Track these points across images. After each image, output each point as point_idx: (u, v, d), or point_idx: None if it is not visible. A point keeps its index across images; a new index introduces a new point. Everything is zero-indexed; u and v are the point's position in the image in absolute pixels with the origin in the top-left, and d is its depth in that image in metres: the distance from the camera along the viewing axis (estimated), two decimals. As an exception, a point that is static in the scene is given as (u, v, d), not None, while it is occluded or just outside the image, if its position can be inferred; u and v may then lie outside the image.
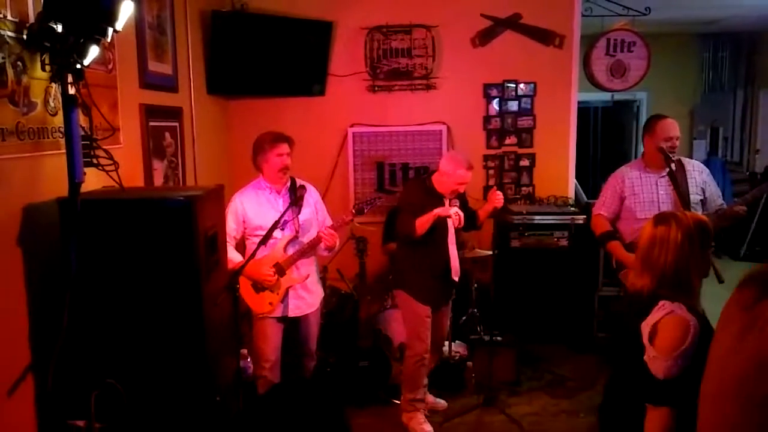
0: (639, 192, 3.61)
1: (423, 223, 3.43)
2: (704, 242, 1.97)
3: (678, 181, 3.47)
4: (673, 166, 3.47)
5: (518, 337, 4.33)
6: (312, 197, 3.49)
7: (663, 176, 3.59)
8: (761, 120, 8.05)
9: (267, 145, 3.33)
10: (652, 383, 1.83)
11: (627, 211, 3.64)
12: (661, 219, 2.02)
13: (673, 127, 3.55)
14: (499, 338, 4.21)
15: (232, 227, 3.27)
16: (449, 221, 3.53)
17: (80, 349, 2.18)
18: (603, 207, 3.73)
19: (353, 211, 3.45)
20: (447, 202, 3.57)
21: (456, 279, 3.72)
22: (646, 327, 1.88)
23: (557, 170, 5.15)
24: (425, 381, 3.70)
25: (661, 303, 1.89)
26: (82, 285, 2.13)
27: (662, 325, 1.85)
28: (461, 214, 3.42)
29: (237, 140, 4.86)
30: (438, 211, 3.44)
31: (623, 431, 2.05)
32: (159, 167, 3.54)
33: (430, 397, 3.87)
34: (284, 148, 3.34)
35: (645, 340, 1.87)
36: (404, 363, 3.70)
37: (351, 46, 4.98)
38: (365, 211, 3.48)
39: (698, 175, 3.60)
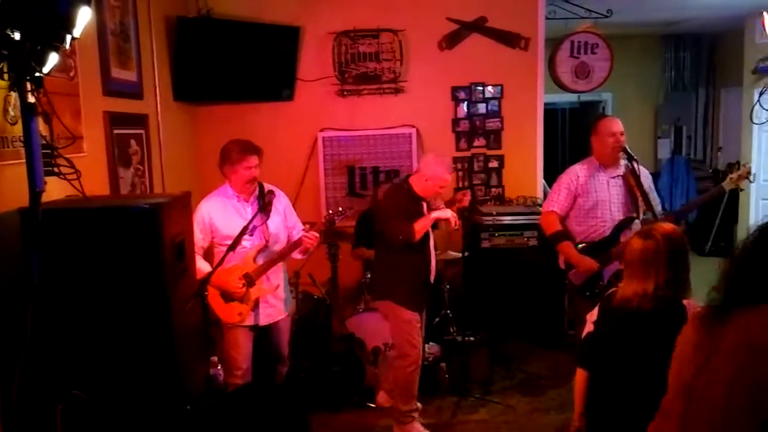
0: (592, 191, 3.60)
1: (422, 228, 3.42)
2: (685, 248, 2.22)
3: (639, 180, 3.52)
4: (635, 164, 3.52)
5: (491, 337, 4.37)
6: (281, 203, 3.45)
7: (615, 176, 3.63)
8: (723, 118, 8.24)
9: (235, 156, 3.23)
10: None
11: (578, 209, 3.63)
12: (646, 233, 2.24)
13: (614, 123, 3.60)
14: (471, 338, 4.24)
15: (198, 237, 3.17)
16: (430, 231, 3.55)
17: (45, 361, 2.14)
18: (555, 204, 3.67)
19: (324, 223, 3.44)
20: (425, 206, 3.55)
21: (432, 280, 3.72)
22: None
23: (526, 171, 5.22)
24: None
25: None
26: (45, 296, 2.08)
27: None
28: (456, 215, 3.45)
29: (205, 147, 4.81)
30: (438, 214, 3.44)
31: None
32: (125, 175, 3.50)
33: None
34: (253, 160, 3.25)
35: None
36: (397, 373, 3.58)
37: (319, 50, 4.99)
38: (336, 222, 3.51)
39: (645, 179, 3.63)
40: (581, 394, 2.40)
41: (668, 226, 2.28)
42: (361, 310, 4.20)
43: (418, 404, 3.82)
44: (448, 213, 3.44)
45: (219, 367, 3.52)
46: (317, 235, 3.35)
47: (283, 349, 3.54)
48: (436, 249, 4.08)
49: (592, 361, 2.34)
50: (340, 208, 3.51)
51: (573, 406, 2.48)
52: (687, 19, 7.09)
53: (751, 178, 3.70)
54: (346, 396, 3.94)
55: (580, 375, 2.40)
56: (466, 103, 5.16)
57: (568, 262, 3.63)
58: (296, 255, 3.44)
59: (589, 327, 2.40)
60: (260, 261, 3.30)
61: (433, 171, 3.46)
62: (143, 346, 2.24)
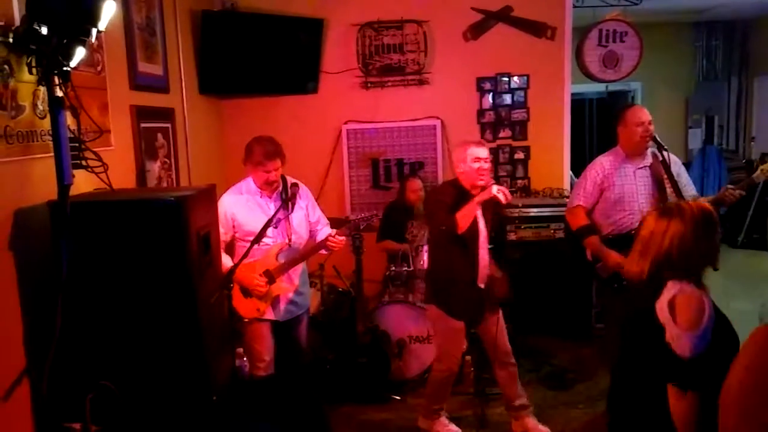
0: (618, 183, 3.50)
1: (465, 216, 3.13)
2: (710, 230, 1.98)
3: (669, 169, 3.43)
4: (665, 152, 3.43)
5: (517, 330, 4.32)
6: (303, 199, 3.42)
7: (641, 167, 3.54)
8: (756, 107, 8.04)
9: (257, 159, 3.19)
10: (678, 365, 1.82)
11: (605, 202, 3.54)
12: (665, 210, 2.04)
13: (642, 113, 3.50)
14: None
15: (221, 231, 3.11)
16: (480, 223, 3.26)
17: (75, 352, 2.18)
18: (581, 198, 3.59)
19: (350, 227, 3.47)
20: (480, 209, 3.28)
21: (481, 286, 3.34)
22: (661, 309, 1.88)
23: (552, 162, 5.15)
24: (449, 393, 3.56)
25: (669, 283, 1.92)
26: (74, 288, 2.12)
27: (678, 303, 1.86)
28: (504, 189, 3.13)
29: (231, 139, 4.85)
30: (482, 195, 3.13)
31: (634, 418, 2.06)
32: (152, 168, 3.53)
33: None
34: (274, 164, 3.20)
35: (663, 320, 1.87)
36: (431, 375, 3.54)
37: (343, 42, 4.97)
38: (361, 227, 3.51)
39: (675, 165, 3.54)
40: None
41: (697, 203, 2.05)
42: (385, 303, 4.20)
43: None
44: (492, 189, 3.10)
45: (244, 359, 3.57)
46: (344, 239, 3.35)
47: (303, 342, 3.55)
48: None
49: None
50: (366, 214, 3.53)
51: (599, 400, 2.37)
52: (718, 6, 6.90)
53: (785, 168, 3.58)
54: (371, 388, 3.94)
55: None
56: (491, 94, 5.10)
57: (595, 255, 3.57)
58: (322, 252, 3.45)
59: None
60: (282, 258, 3.30)
61: (458, 154, 3.32)
62: (170, 337, 2.26)
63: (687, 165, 7.44)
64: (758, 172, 3.48)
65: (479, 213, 3.25)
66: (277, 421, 2.44)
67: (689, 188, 3.55)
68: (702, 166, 7.78)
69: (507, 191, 3.15)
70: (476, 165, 3.22)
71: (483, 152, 3.25)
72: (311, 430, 2.44)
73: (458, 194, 3.25)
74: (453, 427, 3.53)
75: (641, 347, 2.00)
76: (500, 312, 3.46)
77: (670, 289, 1.91)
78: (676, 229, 1.96)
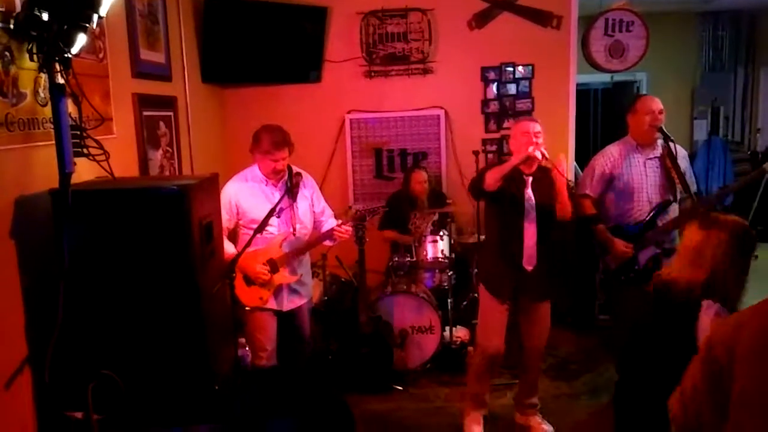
0: (627, 173, 3.48)
1: (494, 173, 2.99)
2: (748, 249, 1.95)
3: (675, 162, 3.40)
4: (672, 144, 3.40)
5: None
6: (308, 189, 3.41)
7: (651, 158, 3.50)
8: (762, 99, 7.98)
9: (265, 147, 3.17)
10: None
11: (613, 192, 3.52)
12: (709, 222, 2.02)
13: (654, 102, 3.47)
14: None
15: (225, 218, 3.14)
16: (529, 200, 3.12)
17: (76, 341, 2.17)
18: (588, 187, 3.58)
19: (355, 217, 3.44)
20: (528, 182, 3.16)
21: (529, 268, 3.17)
22: (704, 329, 1.84)
23: (557, 153, 5.09)
24: (490, 381, 3.45)
25: (704, 302, 1.90)
26: (76, 276, 2.11)
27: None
28: (542, 149, 2.99)
29: (234, 128, 4.83)
30: (518, 156, 3.02)
31: (641, 414, 2.04)
32: (154, 157, 3.52)
33: None
34: (282, 154, 3.19)
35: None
36: (472, 357, 3.50)
37: (346, 31, 4.93)
38: (367, 219, 3.50)
39: (682, 160, 3.51)
40: None
41: (735, 219, 2.05)
42: (388, 293, 4.19)
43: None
44: (527, 149, 2.98)
45: (246, 348, 3.57)
46: (350, 229, 3.34)
47: (305, 332, 3.54)
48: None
49: None
50: (374, 207, 3.54)
51: (602, 391, 2.36)
52: (726, -4, 6.84)
53: (791, 159, 3.56)
54: (373, 379, 3.94)
55: None
56: (495, 83, 5.06)
57: (603, 246, 3.55)
58: (326, 243, 3.44)
59: None
60: (286, 247, 3.29)
61: (511, 132, 3.29)
62: (172, 326, 2.25)
63: (692, 156, 7.41)
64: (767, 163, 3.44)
65: (530, 190, 3.13)
66: (300, 417, 2.43)
67: (693, 186, 3.52)
68: (707, 158, 7.72)
69: (543, 149, 3.00)
70: (524, 139, 3.10)
71: (533, 126, 3.13)
72: (336, 428, 2.42)
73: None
74: (478, 428, 3.41)
75: (665, 355, 1.97)
76: (548, 305, 3.32)
77: (708, 309, 1.87)
78: (721, 243, 1.92)
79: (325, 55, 4.92)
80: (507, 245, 3.18)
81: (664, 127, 3.44)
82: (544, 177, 3.15)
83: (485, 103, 5.09)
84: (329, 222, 3.44)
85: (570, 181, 4.99)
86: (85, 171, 2.44)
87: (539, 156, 3.02)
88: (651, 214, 3.45)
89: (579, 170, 5.42)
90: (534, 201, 3.14)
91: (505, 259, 3.20)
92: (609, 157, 3.56)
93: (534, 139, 3.08)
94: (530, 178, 3.16)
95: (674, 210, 3.49)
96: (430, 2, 4.88)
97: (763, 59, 7.89)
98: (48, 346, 2.05)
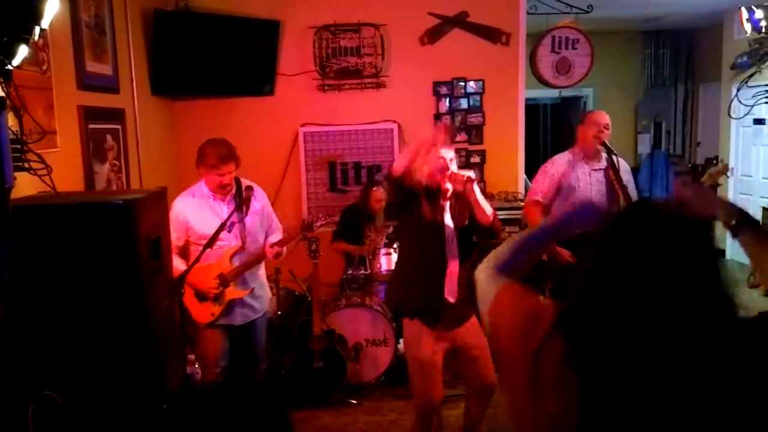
0: (574, 182, 3.61)
1: (401, 157, 2.79)
2: None
3: (618, 174, 3.54)
4: (614, 157, 3.54)
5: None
6: (259, 202, 3.39)
7: (596, 169, 3.64)
8: (701, 114, 8.33)
9: (210, 162, 3.12)
10: None
11: (561, 200, 3.62)
12: None
13: (602, 116, 3.65)
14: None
15: (174, 235, 3.06)
16: (446, 230, 2.84)
17: (17, 361, 2.10)
18: (539, 193, 3.66)
19: (301, 226, 3.46)
20: (446, 207, 2.90)
21: (451, 300, 2.86)
22: None
23: (507, 166, 5.22)
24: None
25: None
26: (16, 294, 2.04)
27: None
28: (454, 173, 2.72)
29: (184, 142, 4.75)
30: (420, 140, 2.75)
31: None
32: (100, 171, 3.43)
33: None
34: (228, 168, 3.14)
35: None
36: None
37: (299, 45, 4.94)
38: (315, 228, 3.50)
39: (624, 173, 3.65)
40: None
41: None
42: (342, 306, 4.18)
43: None
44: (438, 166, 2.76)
45: (196, 365, 3.50)
46: (280, 250, 3.37)
47: (259, 346, 3.50)
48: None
49: None
50: (321, 219, 3.60)
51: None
52: (666, 15, 7.14)
53: (729, 173, 3.74)
54: (327, 393, 3.92)
55: None
56: (447, 98, 5.15)
57: (550, 257, 3.64)
58: (271, 258, 3.42)
59: None
60: (236, 261, 3.26)
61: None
62: (119, 344, 2.20)
63: (636, 170, 7.66)
64: (706, 176, 3.63)
65: (448, 216, 2.87)
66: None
67: (634, 198, 3.66)
68: (650, 170, 8.01)
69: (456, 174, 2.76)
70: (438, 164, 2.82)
71: (447, 153, 2.86)
72: None
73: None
74: None
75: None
76: (475, 322, 2.94)
77: None
78: None
79: (278, 68, 4.91)
80: (428, 276, 2.88)
81: (607, 142, 3.57)
82: (459, 198, 2.91)
83: (438, 117, 5.16)
84: (275, 236, 3.43)
85: (520, 193, 5.12)
86: (26, 186, 2.37)
87: (450, 187, 2.81)
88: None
89: (528, 182, 5.55)
90: (453, 226, 2.89)
91: (426, 287, 2.89)
92: (560, 164, 3.67)
93: (447, 167, 2.82)
94: (447, 203, 2.90)
95: None
96: (382, 18, 4.94)
97: (702, 76, 8.24)
98: (-15, 368, 1.97)
